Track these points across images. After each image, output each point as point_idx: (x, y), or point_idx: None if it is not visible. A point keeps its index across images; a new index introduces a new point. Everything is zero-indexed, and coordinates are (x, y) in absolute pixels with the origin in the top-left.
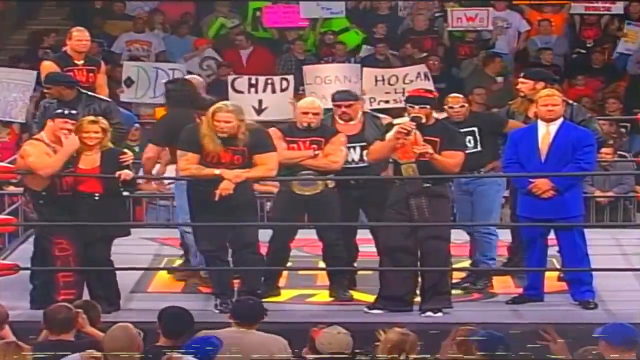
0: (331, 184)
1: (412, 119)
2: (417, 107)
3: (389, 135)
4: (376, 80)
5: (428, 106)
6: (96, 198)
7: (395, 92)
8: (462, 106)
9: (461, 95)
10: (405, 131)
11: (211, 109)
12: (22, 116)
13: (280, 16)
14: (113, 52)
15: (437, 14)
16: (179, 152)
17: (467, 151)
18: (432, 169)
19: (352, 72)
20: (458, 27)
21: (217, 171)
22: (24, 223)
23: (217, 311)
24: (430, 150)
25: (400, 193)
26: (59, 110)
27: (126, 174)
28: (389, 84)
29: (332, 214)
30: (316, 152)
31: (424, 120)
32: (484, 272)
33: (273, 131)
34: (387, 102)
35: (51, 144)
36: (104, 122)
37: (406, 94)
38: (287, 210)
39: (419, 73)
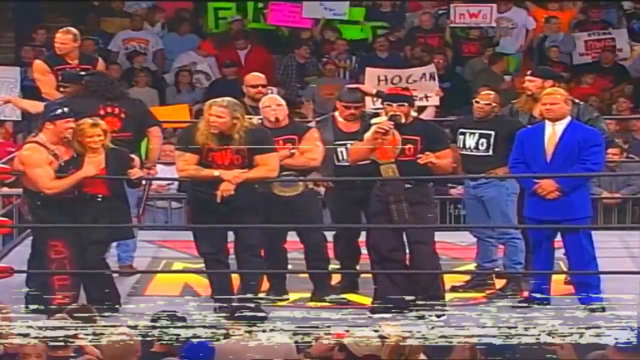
0: (311, 185)
1: (391, 118)
2: (395, 105)
3: (367, 135)
4: (379, 80)
5: (406, 104)
6: (99, 199)
7: None
8: (488, 104)
9: (493, 94)
10: (383, 131)
11: (207, 103)
12: (15, 114)
13: (286, 15)
14: (110, 50)
15: (440, 12)
16: (177, 153)
17: (477, 154)
18: (413, 170)
19: None
20: (461, 23)
21: (216, 172)
22: (19, 225)
23: (216, 315)
24: (434, 160)
25: (381, 198)
26: (59, 111)
27: (136, 171)
28: (392, 83)
29: (314, 215)
30: (292, 151)
31: (403, 120)
32: (489, 276)
33: None
34: None
35: (51, 146)
36: (103, 123)
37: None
38: (269, 212)
39: (424, 74)
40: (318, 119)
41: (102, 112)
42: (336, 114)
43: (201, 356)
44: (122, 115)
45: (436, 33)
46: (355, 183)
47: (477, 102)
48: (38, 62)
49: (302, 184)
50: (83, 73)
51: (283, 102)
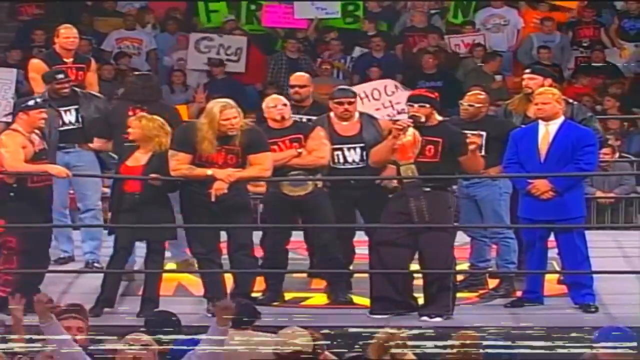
0: (320, 183)
1: (410, 117)
2: (416, 105)
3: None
4: (361, 98)
5: (427, 105)
6: (137, 197)
7: (384, 107)
8: (472, 106)
9: (480, 95)
10: (401, 127)
11: (217, 109)
12: (7, 116)
13: (280, 16)
14: (103, 49)
15: (432, 11)
16: (170, 152)
17: None
18: (432, 171)
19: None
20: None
21: (209, 171)
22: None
23: (209, 315)
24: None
25: (401, 195)
26: (31, 102)
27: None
28: (374, 98)
29: (325, 214)
30: (299, 150)
31: (423, 120)
32: (484, 275)
33: None
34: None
35: (26, 133)
36: (155, 120)
37: (395, 105)
38: (279, 212)
39: (395, 85)
40: (313, 119)
41: (130, 114)
42: (331, 114)
43: None
44: None
45: (432, 31)
46: (350, 184)
47: (461, 104)
48: (35, 61)
49: (311, 183)
50: (53, 71)
51: (287, 101)
